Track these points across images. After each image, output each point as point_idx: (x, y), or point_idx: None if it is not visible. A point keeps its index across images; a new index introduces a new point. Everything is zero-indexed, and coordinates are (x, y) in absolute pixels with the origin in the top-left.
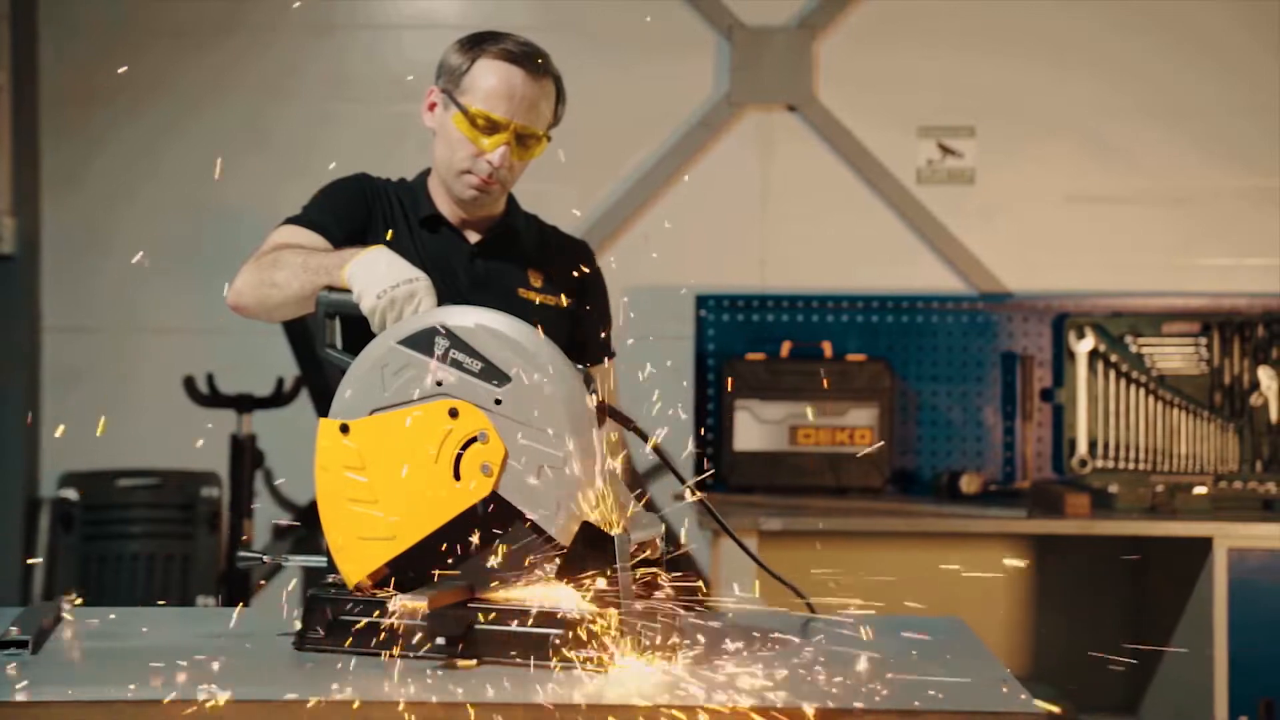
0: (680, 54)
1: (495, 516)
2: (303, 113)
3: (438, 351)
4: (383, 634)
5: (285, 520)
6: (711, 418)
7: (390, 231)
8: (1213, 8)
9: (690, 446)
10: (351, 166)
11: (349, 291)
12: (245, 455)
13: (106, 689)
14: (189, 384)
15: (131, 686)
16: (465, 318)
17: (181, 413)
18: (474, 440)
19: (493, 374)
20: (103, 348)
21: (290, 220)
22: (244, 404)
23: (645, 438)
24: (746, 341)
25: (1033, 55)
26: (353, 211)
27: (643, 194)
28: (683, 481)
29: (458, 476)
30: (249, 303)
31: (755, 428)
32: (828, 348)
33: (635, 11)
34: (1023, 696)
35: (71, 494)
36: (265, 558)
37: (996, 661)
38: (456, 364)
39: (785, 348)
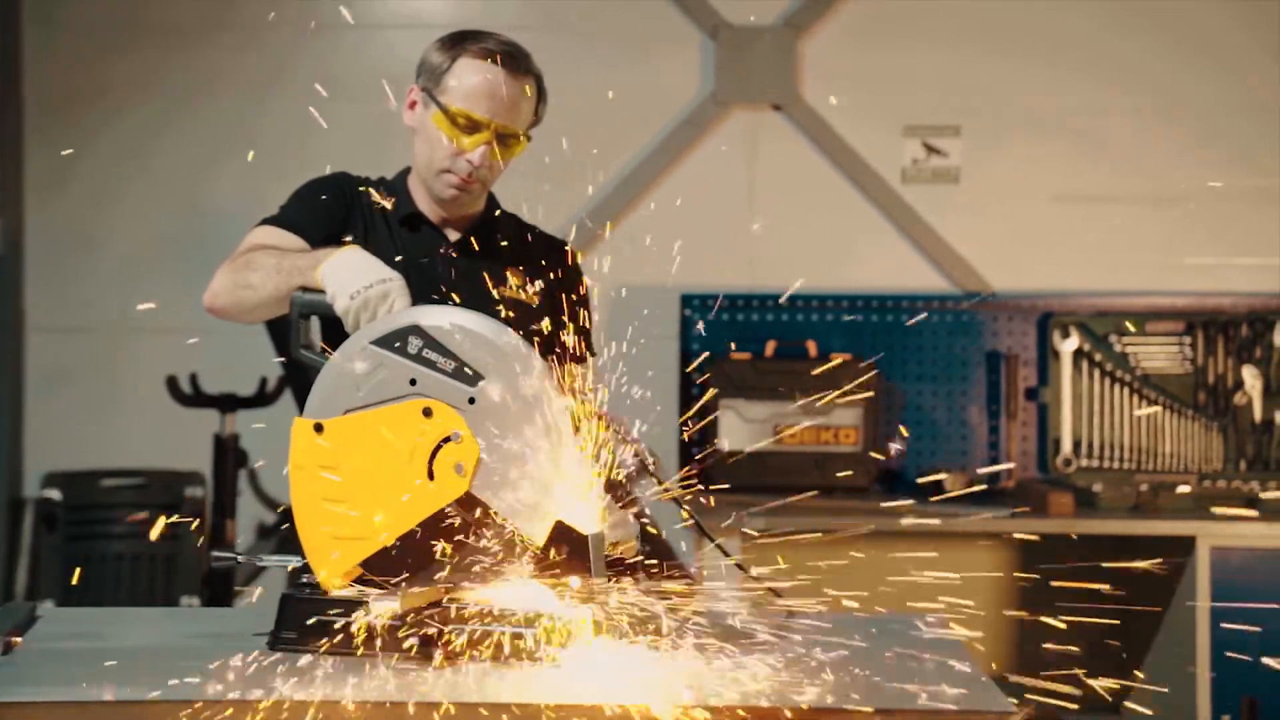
0: (666, 53)
1: (470, 514)
2: (290, 112)
3: (411, 351)
4: (357, 633)
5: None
6: (696, 417)
7: (366, 231)
8: (1200, 6)
9: (676, 446)
10: (340, 165)
11: (323, 292)
12: (228, 455)
13: (78, 689)
14: (172, 384)
15: (103, 687)
16: (439, 317)
17: (166, 413)
18: (448, 440)
19: (466, 373)
20: (87, 348)
21: (267, 221)
22: (227, 404)
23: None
24: (732, 341)
25: (1017, 55)
26: (330, 211)
27: (629, 193)
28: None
29: (431, 476)
30: (225, 304)
31: (740, 427)
32: (812, 347)
33: (621, 10)
34: (998, 696)
35: (55, 494)
36: (239, 557)
37: (974, 661)
38: (430, 363)
39: (770, 347)
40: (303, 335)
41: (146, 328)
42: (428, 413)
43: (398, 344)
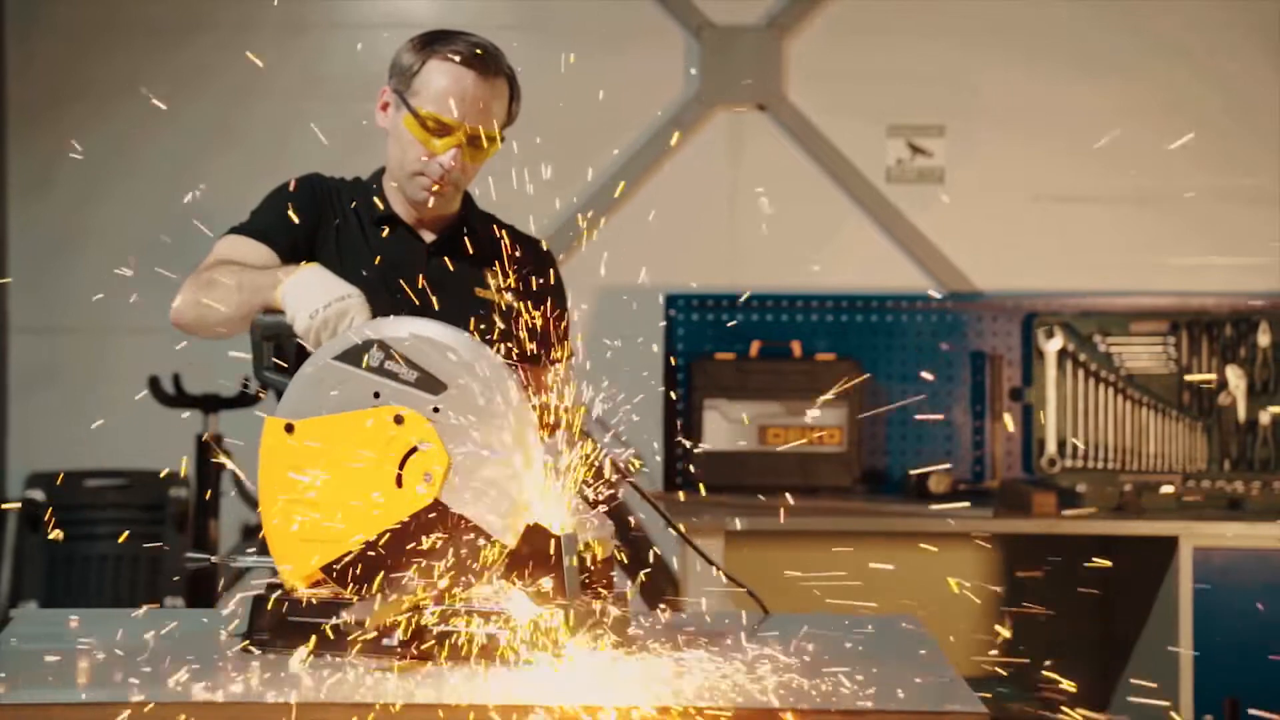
0: (650, 53)
1: (440, 521)
2: (275, 112)
3: (373, 365)
4: (330, 634)
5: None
6: (681, 417)
7: (339, 235)
8: (1187, 5)
9: (660, 447)
10: (326, 166)
11: (284, 312)
12: (211, 456)
13: (41, 691)
14: (154, 384)
15: (68, 689)
16: (399, 329)
17: (150, 413)
18: (417, 448)
19: (429, 383)
20: (70, 348)
21: (235, 229)
22: (210, 404)
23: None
24: (716, 341)
25: (1002, 54)
26: (300, 217)
27: (612, 193)
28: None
29: (400, 484)
30: (188, 320)
31: (724, 427)
32: (797, 347)
33: (605, 10)
34: (971, 696)
35: (38, 495)
36: (212, 558)
37: (946, 661)
38: (392, 375)
39: (754, 347)
40: (265, 358)
41: (129, 328)
42: (399, 419)
43: (359, 359)
